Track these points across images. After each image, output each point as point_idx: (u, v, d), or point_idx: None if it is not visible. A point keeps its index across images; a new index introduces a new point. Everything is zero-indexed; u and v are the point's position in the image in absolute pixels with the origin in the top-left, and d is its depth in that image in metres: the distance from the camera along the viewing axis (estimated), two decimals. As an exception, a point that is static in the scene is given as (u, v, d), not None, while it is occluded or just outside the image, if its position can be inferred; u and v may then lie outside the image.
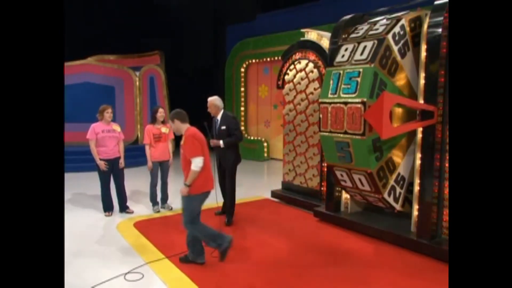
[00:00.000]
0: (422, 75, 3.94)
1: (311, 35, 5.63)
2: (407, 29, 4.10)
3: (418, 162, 4.02)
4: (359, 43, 4.24)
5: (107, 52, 10.87)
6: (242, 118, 11.12)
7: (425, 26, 3.88)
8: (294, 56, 5.77)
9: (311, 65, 5.55)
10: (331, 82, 4.30)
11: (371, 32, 4.22)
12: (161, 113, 5.38)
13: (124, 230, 4.73)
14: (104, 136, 5.17)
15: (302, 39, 5.75)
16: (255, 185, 7.11)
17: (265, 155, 10.54)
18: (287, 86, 5.99)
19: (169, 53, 11.57)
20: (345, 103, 4.07)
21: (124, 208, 5.47)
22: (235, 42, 11.00)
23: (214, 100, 4.89)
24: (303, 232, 4.56)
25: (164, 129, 5.42)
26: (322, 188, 5.49)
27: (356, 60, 4.13)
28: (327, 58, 4.98)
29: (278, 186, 6.40)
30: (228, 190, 4.94)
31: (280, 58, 6.25)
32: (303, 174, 5.85)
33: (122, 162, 5.37)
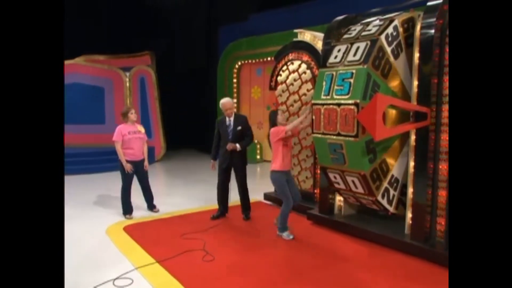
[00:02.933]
0: (415, 77, 3.98)
1: (304, 35, 5.66)
2: (400, 30, 4.14)
3: (411, 164, 4.05)
4: (352, 44, 4.26)
5: (96, 52, 10.79)
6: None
7: (418, 27, 3.92)
8: (287, 57, 5.79)
9: (304, 66, 5.57)
10: (324, 83, 4.32)
11: (364, 33, 4.25)
12: (282, 115, 4.50)
13: (113, 234, 4.69)
14: (131, 137, 5.22)
15: (295, 39, 5.77)
16: (248, 188, 7.11)
17: (258, 157, 10.54)
18: (279, 88, 6.01)
19: (160, 54, 11.53)
20: (338, 105, 4.09)
21: (152, 207, 5.62)
22: (228, 43, 11.00)
23: (231, 101, 5.13)
24: (296, 235, 4.56)
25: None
26: (315, 191, 5.50)
27: (349, 61, 4.15)
28: (320, 59, 5.00)
29: (271, 189, 6.40)
30: (244, 189, 5.21)
31: (273, 59, 6.27)
32: (296, 177, 5.86)
33: (146, 164, 5.46)
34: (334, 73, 4.24)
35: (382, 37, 4.02)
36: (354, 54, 4.13)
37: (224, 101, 5.08)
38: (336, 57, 4.35)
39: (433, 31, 3.74)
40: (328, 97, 4.21)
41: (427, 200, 3.89)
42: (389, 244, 4.16)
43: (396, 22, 4.11)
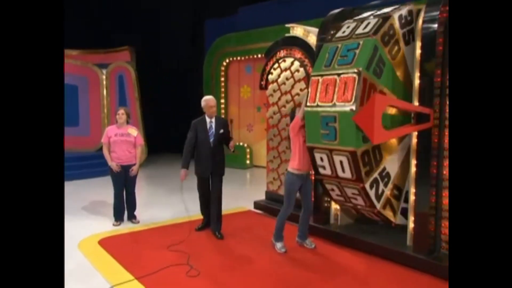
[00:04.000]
0: (417, 75, 3.99)
1: (297, 30, 5.65)
2: (415, 15, 4.20)
3: (413, 169, 4.04)
4: (362, 21, 4.33)
5: (69, 47, 10.60)
6: (222, 122, 11.06)
7: (420, 21, 3.94)
8: (278, 53, 5.77)
9: (296, 63, 5.56)
10: (327, 55, 4.32)
11: (377, 13, 4.36)
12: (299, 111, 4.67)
13: (86, 248, 4.59)
14: (116, 140, 5.31)
15: (287, 35, 5.76)
16: (237, 196, 7.06)
17: (248, 162, 10.50)
18: (270, 87, 5.98)
19: (141, 50, 11.40)
20: (338, 74, 4.08)
21: (132, 217, 5.58)
22: (215, 38, 10.96)
23: (215, 100, 5.01)
24: (289, 247, 4.52)
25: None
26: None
27: (357, 34, 4.19)
28: (314, 55, 4.99)
29: (261, 196, 6.37)
30: (219, 199, 4.97)
31: (263, 55, 6.25)
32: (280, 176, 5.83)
33: (134, 168, 5.43)
34: (339, 45, 4.26)
35: (395, 15, 4.09)
36: (364, 28, 4.18)
37: (209, 98, 4.95)
38: (344, 32, 4.39)
39: (436, 25, 3.76)
40: (329, 67, 4.21)
41: (430, 209, 3.89)
42: (390, 257, 4.14)
43: (411, 7, 4.20)
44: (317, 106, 4.20)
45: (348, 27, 4.43)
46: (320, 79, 4.24)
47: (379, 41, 3.99)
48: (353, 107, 3.86)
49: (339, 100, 4.00)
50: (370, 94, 3.93)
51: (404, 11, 4.17)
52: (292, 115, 4.62)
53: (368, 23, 4.20)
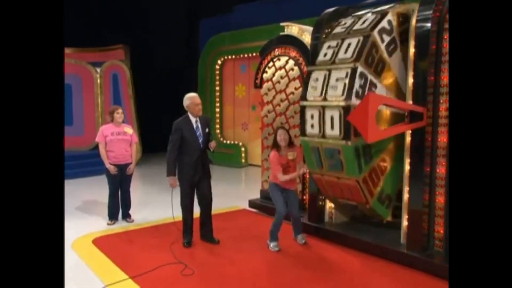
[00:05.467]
0: (411, 73, 4.01)
1: (292, 29, 5.66)
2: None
3: (406, 168, 4.07)
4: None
5: (62, 45, 10.55)
6: (217, 120, 11.05)
7: (414, 20, 3.95)
8: (273, 52, 5.78)
9: (291, 62, 5.57)
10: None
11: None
12: (281, 135, 4.43)
13: (80, 248, 4.57)
14: (113, 139, 5.30)
15: (282, 33, 5.77)
16: (232, 194, 7.07)
17: (243, 161, 10.50)
18: (265, 85, 5.99)
19: (136, 48, 11.35)
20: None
21: (126, 216, 5.58)
22: (210, 37, 10.94)
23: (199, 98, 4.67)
24: (283, 246, 4.53)
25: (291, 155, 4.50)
26: (304, 197, 5.49)
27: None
28: (309, 54, 5.00)
29: (256, 195, 6.38)
30: (210, 207, 4.70)
31: (258, 54, 6.25)
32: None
33: (131, 167, 5.44)
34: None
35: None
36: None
37: (194, 95, 4.60)
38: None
39: (429, 24, 3.77)
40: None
41: (423, 206, 3.92)
42: (384, 255, 4.17)
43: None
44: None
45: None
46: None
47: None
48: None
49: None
50: None
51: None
52: (275, 133, 4.52)
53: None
